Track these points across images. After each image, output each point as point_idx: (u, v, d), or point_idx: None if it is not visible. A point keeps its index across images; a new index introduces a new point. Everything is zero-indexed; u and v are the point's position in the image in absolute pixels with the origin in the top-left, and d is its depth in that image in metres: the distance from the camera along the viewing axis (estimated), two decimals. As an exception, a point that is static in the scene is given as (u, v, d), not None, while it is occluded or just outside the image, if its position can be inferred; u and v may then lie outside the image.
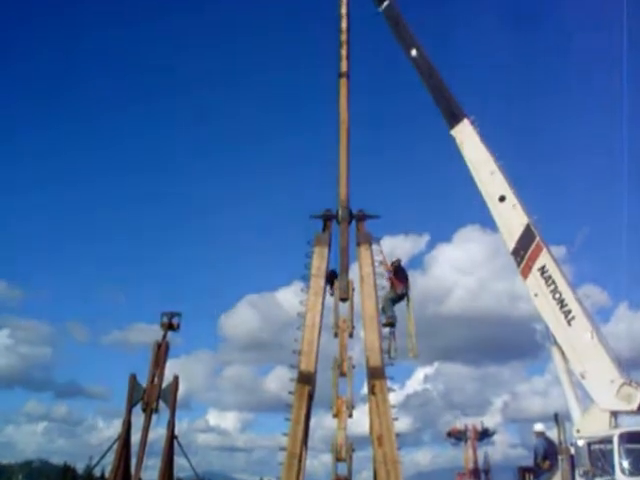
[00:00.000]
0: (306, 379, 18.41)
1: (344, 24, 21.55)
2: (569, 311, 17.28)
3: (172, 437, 19.92)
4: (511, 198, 18.64)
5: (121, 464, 19.50)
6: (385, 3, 21.66)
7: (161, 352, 20.71)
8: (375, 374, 18.53)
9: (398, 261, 20.27)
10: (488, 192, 18.97)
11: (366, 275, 19.40)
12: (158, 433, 19.92)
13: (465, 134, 19.64)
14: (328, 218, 20.01)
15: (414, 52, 21.03)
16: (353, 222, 19.98)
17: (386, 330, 19.44)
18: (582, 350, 17.01)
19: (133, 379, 20.29)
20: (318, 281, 19.28)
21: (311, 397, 18.52)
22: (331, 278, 19.64)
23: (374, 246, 19.85)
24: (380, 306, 19.35)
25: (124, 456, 19.62)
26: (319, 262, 19.48)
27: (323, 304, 19.25)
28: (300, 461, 17.68)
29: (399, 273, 20.10)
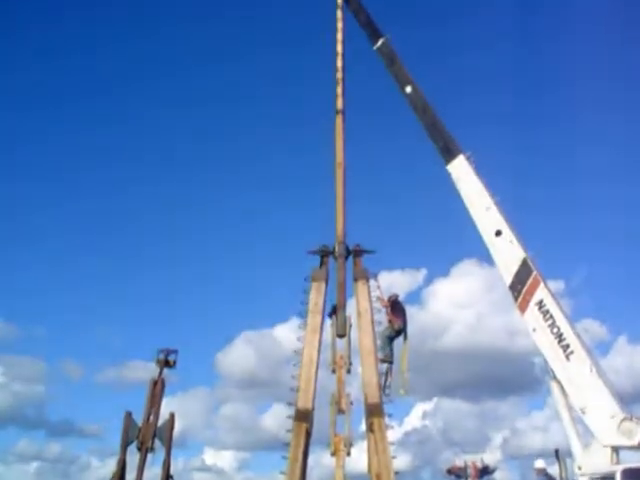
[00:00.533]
0: (303, 417, 18.20)
1: (340, 62, 21.80)
2: (567, 345, 17.23)
3: (168, 476, 19.66)
4: (507, 233, 18.70)
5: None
6: (380, 41, 21.95)
7: (157, 389, 20.50)
8: (373, 411, 18.36)
9: (395, 296, 20.23)
10: (484, 227, 19.05)
11: (363, 311, 19.33)
12: (153, 472, 19.66)
13: (461, 170, 19.76)
14: (325, 254, 19.96)
15: (409, 89, 21.25)
16: (350, 257, 20.00)
17: (384, 366, 19.36)
18: (581, 385, 16.92)
19: (128, 417, 20.05)
20: (315, 317, 19.18)
21: (309, 435, 18.30)
22: (333, 312, 19.60)
23: (371, 281, 19.80)
24: (378, 342, 19.30)
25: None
26: (316, 298, 19.39)
27: (320, 340, 19.13)
28: (298, 500, 17.43)
29: (396, 308, 20.05)
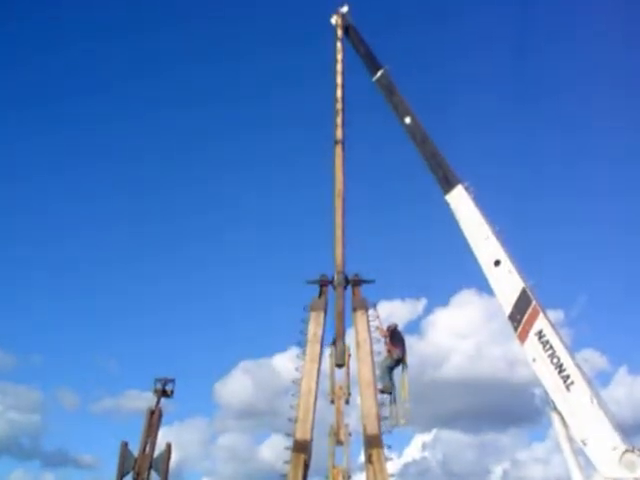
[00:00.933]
0: (302, 448, 18.04)
1: (339, 93, 22.01)
2: (568, 376, 17.11)
3: None
4: (506, 263, 18.67)
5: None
6: (379, 73, 22.16)
7: (154, 419, 20.36)
8: (372, 442, 18.19)
9: (394, 325, 20.14)
10: (483, 257, 19.03)
11: (362, 341, 19.25)
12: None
13: (459, 200, 19.81)
14: (324, 283, 19.95)
15: (408, 120, 21.40)
16: (349, 287, 19.98)
17: (384, 396, 19.22)
18: (582, 416, 16.76)
19: (125, 447, 19.87)
20: (314, 347, 19.12)
21: (307, 466, 18.12)
22: (333, 343, 19.52)
23: (370, 311, 19.76)
24: (377, 373, 19.18)
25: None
26: (315, 328, 19.35)
27: (319, 370, 19.04)
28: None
29: (395, 338, 19.94)
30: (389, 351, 19.62)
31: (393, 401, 19.27)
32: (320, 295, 19.87)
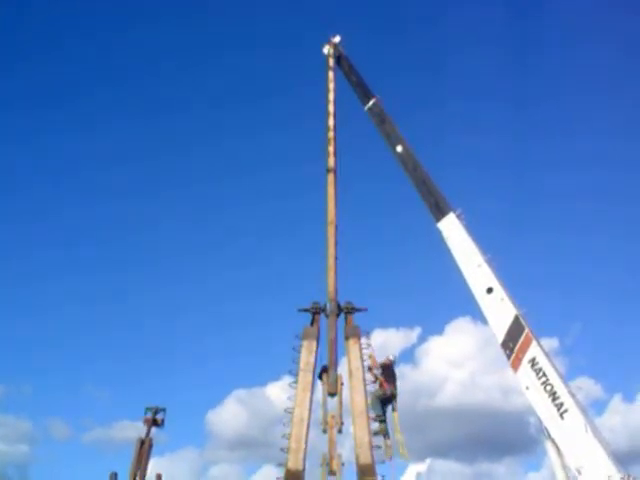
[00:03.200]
0: (294, 478, 17.84)
1: (331, 122, 22.15)
2: (561, 404, 17.00)
3: None
4: (499, 290, 18.64)
5: None
6: (371, 102, 22.32)
7: (144, 449, 20.11)
8: (365, 472, 18.03)
9: (390, 362, 19.95)
10: (475, 284, 19.01)
11: (355, 369, 19.13)
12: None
13: (451, 228, 19.84)
14: (316, 311, 19.86)
15: (399, 148, 21.52)
16: (342, 315, 19.90)
17: (376, 425, 19.05)
18: (577, 444, 16.62)
19: (114, 478, 19.64)
20: (306, 376, 18.98)
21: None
22: (323, 372, 19.37)
23: (363, 339, 19.67)
24: (369, 401, 19.03)
25: None
26: (307, 356, 19.23)
27: (312, 399, 18.88)
28: None
29: (388, 373, 19.78)
30: (381, 385, 19.46)
31: (387, 435, 19.09)
32: (312, 323, 19.77)
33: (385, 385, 19.42)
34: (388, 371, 19.78)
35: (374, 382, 19.50)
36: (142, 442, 20.16)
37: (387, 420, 19.26)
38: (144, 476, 19.78)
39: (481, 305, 18.84)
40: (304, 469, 18.14)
